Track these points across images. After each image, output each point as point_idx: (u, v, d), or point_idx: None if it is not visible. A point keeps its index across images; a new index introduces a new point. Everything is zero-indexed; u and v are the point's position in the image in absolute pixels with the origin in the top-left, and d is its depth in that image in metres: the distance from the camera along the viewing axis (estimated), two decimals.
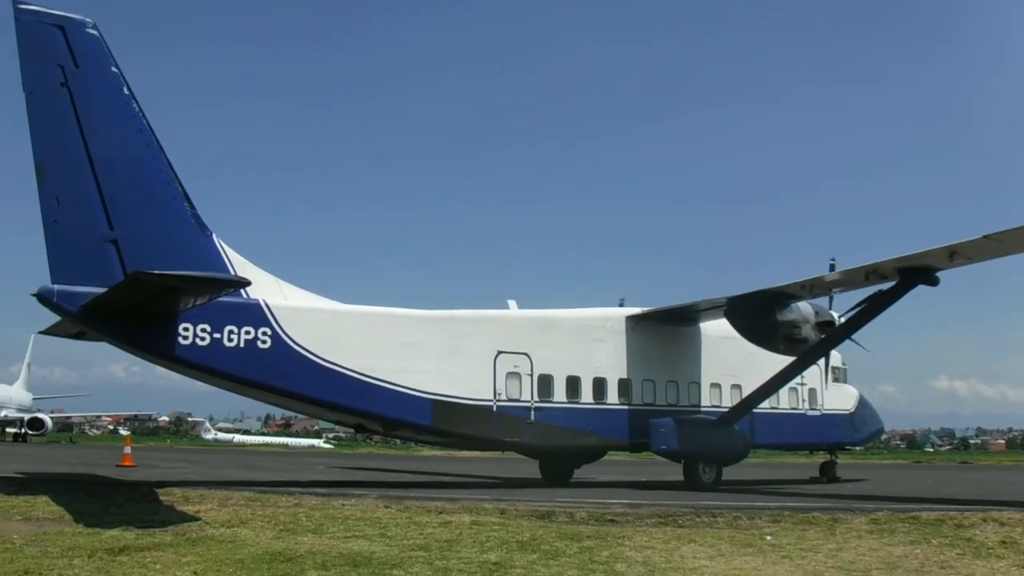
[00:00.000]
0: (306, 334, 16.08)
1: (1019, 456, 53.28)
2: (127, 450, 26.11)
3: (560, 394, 18.42)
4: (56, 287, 13.93)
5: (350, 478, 21.47)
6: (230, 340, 15.37)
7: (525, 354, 18.17)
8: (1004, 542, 9.57)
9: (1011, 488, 21.17)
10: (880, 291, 17.39)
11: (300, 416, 42.05)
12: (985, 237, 14.28)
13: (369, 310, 17.53)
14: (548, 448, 19.01)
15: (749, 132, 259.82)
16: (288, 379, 15.86)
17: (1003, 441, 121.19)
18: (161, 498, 12.46)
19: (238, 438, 76.92)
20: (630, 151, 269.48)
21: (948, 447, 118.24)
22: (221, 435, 79.50)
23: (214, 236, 15.74)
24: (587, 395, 18.75)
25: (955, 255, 15.39)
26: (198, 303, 14.00)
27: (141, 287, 12.73)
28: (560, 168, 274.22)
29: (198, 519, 10.17)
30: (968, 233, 14.45)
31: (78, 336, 17.05)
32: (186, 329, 14.99)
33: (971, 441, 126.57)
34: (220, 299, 14.62)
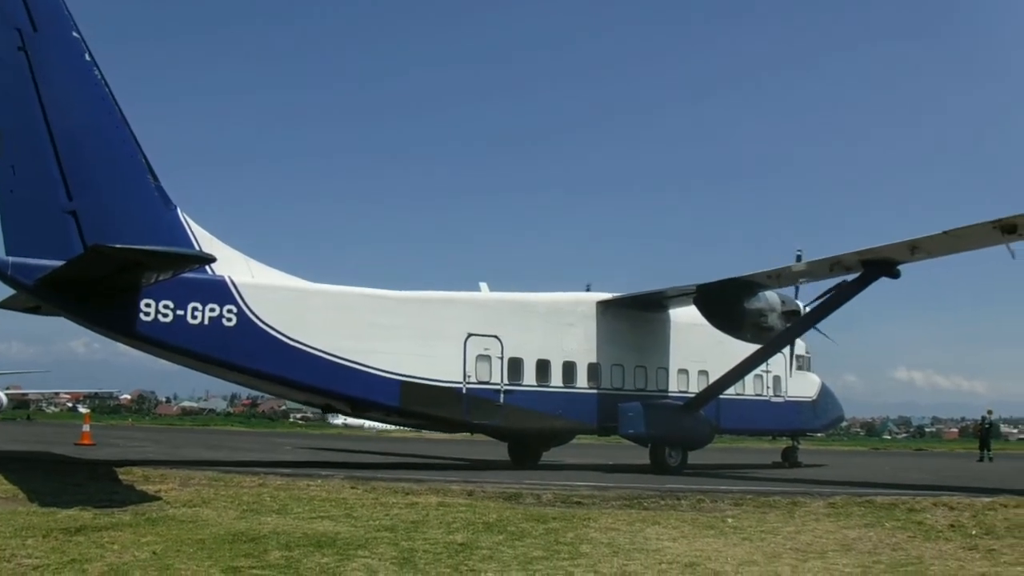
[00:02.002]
0: (272, 312, 15.80)
1: (971, 444, 55.22)
2: (86, 428, 25.54)
3: (530, 377, 18.50)
4: (11, 259, 13.45)
5: (317, 459, 21.31)
6: (194, 317, 15.06)
7: (496, 337, 18.17)
8: (952, 525, 9.89)
9: (961, 474, 21.91)
10: (844, 282, 17.58)
11: (267, 396, 41.55)
12: (945, 233, 14.60)
13: (338, 289, 17.28)
14: (517, 431, 19.07)
15: (729, 120, 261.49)
16: (253, 358, 15.60)
17: (956, 430, 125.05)
18: (120, 477, 12.22)
19: (368, 424, 71.41)
20: (608, 140, 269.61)
21: (905, 435, 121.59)
22: (351, 420, 74.88)
23: (179, 210, 15.35)
24: (557, 379, 18.85)
25: (916, 249, 15.66)
26: (161, 279, 13.65)
27: (101, 261, 12.36)
28: (535, 152, 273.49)
29: (159, 499, 9.99)
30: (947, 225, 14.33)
31: (33, 310, 16.56)
32: (148, 305, 14.65)
33: (927, 429, 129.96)
34: (184, 275, 14.27)
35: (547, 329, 18.83)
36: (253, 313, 15.63)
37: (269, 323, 15.76)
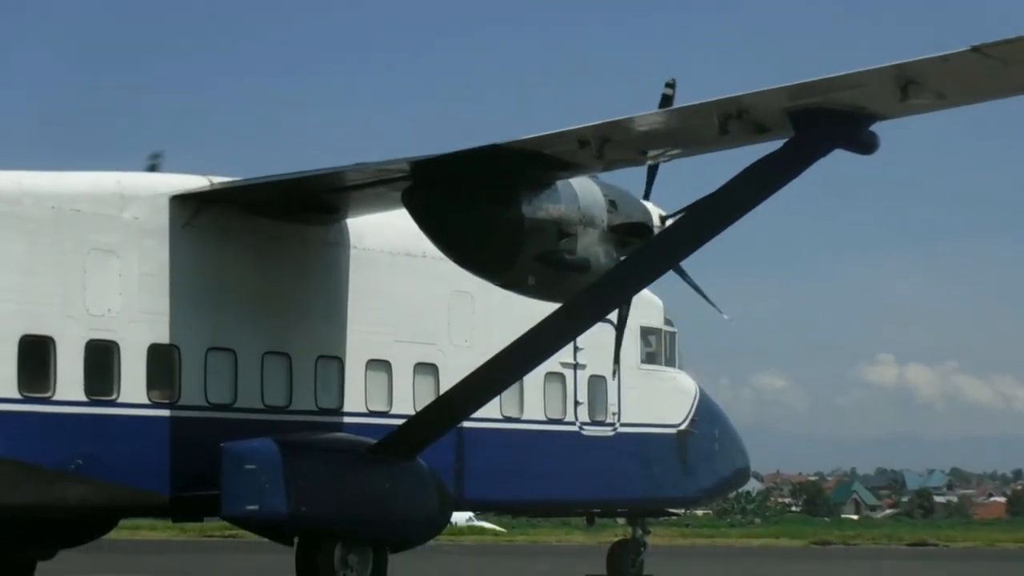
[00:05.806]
0: None
1: None
2: None
3: None
4: None
5: None
6: None
7: None
8: None
9: None
10: (763, 161, 10.54)
11: None
12: (974, 50, 9.25)
13: None
14: None
15: None
16: None
17: (1003, 498, 76.20)
18: None
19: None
20: None
21: (891, 509, 73.54)
22: None
23: None
24: (68, 382, 11.27)
25: (912, 87, 9.75)
26: None
27: None
28: None
29: None
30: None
31: None
32: None
33: (937, 497, 76.02)
34: None
35: (41, 262, 11.26)
36: None
37: None
